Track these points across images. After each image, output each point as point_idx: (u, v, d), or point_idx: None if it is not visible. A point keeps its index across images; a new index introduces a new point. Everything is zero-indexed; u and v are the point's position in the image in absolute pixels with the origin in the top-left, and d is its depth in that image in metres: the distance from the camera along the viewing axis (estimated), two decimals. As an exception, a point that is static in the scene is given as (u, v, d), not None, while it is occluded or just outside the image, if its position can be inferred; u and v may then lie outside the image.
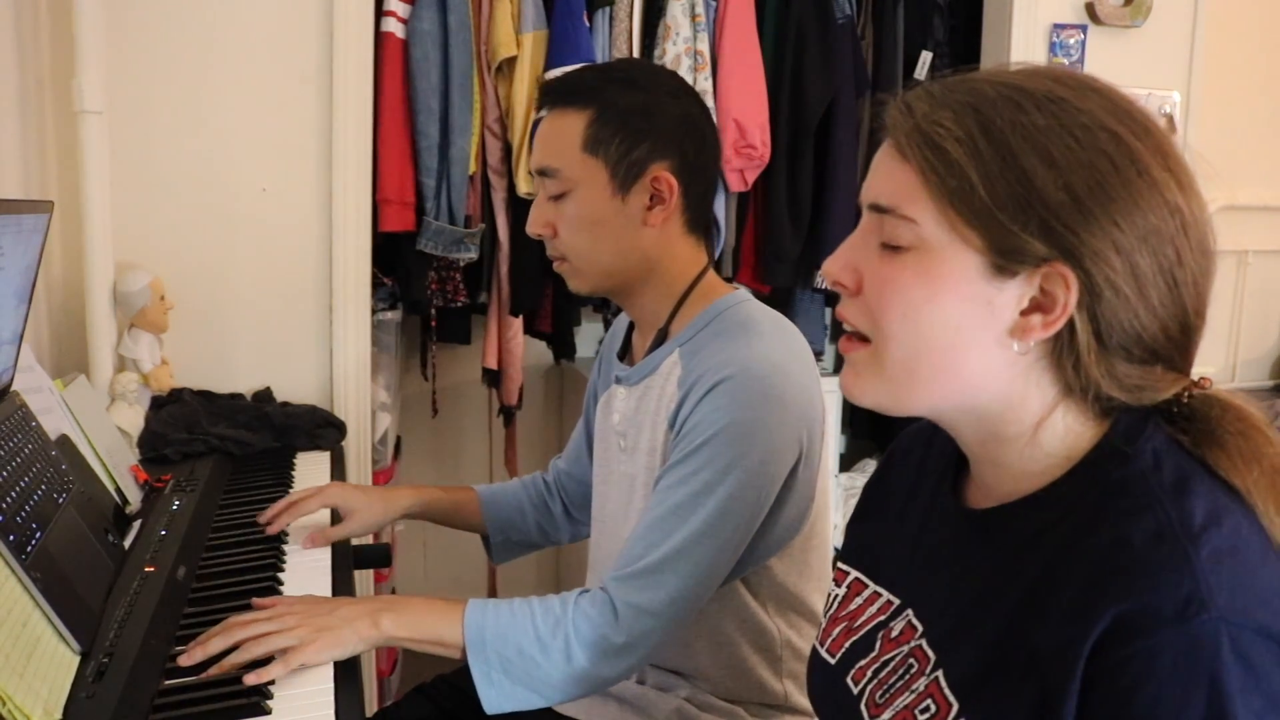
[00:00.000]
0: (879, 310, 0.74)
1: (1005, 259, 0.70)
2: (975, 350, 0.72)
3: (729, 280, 1.83)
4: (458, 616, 1.10)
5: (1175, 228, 0.69)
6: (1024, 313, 0.71)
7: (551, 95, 1.25)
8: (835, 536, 2.90)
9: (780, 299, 2.71)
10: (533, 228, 1.26)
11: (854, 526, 0.97)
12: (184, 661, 1.01)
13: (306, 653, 1.02)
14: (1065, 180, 0.68)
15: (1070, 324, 0.70)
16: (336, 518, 1.42)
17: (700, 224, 1.27)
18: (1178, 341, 0.72)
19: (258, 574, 1.26)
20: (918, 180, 0.71)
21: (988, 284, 0.70)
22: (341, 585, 1.26)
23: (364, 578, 2.15)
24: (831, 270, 0.77)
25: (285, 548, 1.35)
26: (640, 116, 1.21)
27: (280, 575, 1.26)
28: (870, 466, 3.11)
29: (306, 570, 1.28)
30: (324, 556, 1.32)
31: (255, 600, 1.12)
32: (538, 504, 1.56)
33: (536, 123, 2.22)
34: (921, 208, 0.71)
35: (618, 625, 1.10)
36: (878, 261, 0.74)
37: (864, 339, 0.76)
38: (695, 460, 1.13)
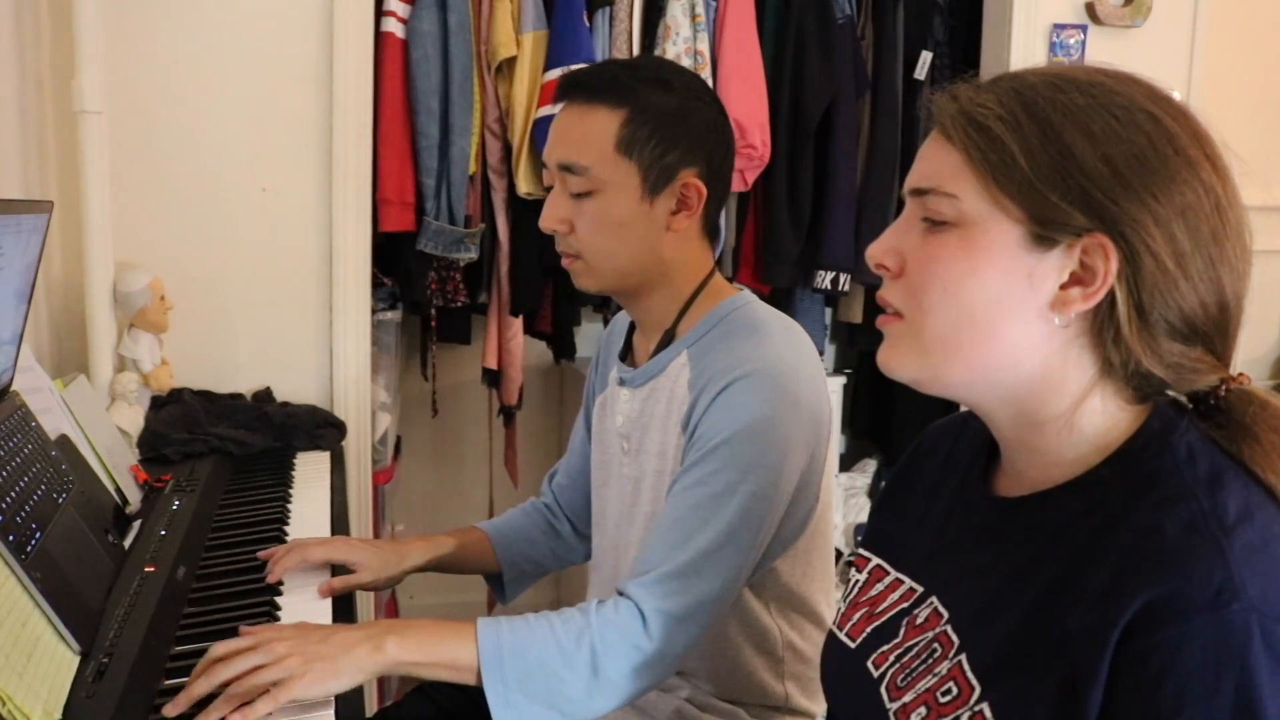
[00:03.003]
0: (921, 287, 0.75)
1: (1045, 229, 0.71)
2: (1016, 323, 0.73)
3: (729, 280, 1.81)
4: (470, 635, 1.03)
5: (1210, 207, 0.71)
6: (1064, 286, 0.72)
7: (579, 89, 1.20)
8: (835, 537, 2.90)
9: (780, 299, 2.70)
10: (547, 223, 1.22)
11: (876, 516, 0.98)
12: (169, 712, 0.92)
13: (297, 686, 0.94)
14: (1105, 153, 0.70)
15: (1110, 297, 0.71)
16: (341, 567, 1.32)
17: (712, 228, 1.27)
18: (1217, 321, 0.73)
19: (258, 574, 1.25)
20: (961, 159, 0.73)
21: (1028, 255, 0.72)
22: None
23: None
24: (875, 253, 0.79)
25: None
26: (675, 120, 1.18)
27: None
28: (870, 466, 3.11)
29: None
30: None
31: (243, 628, 1.03)
32: (545, 530, 1.50)
33: (539, 121, 2.25)
34: (963, 183, 0.73)
35: (647, 633, 1.05)
36: (920, 241, 0.76)
37: (901, 314, 0.77)
38: (713, 461, 1.11)
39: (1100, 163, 0.70)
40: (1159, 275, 0.70)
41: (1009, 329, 0.73)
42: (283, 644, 0.97)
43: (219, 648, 0.97)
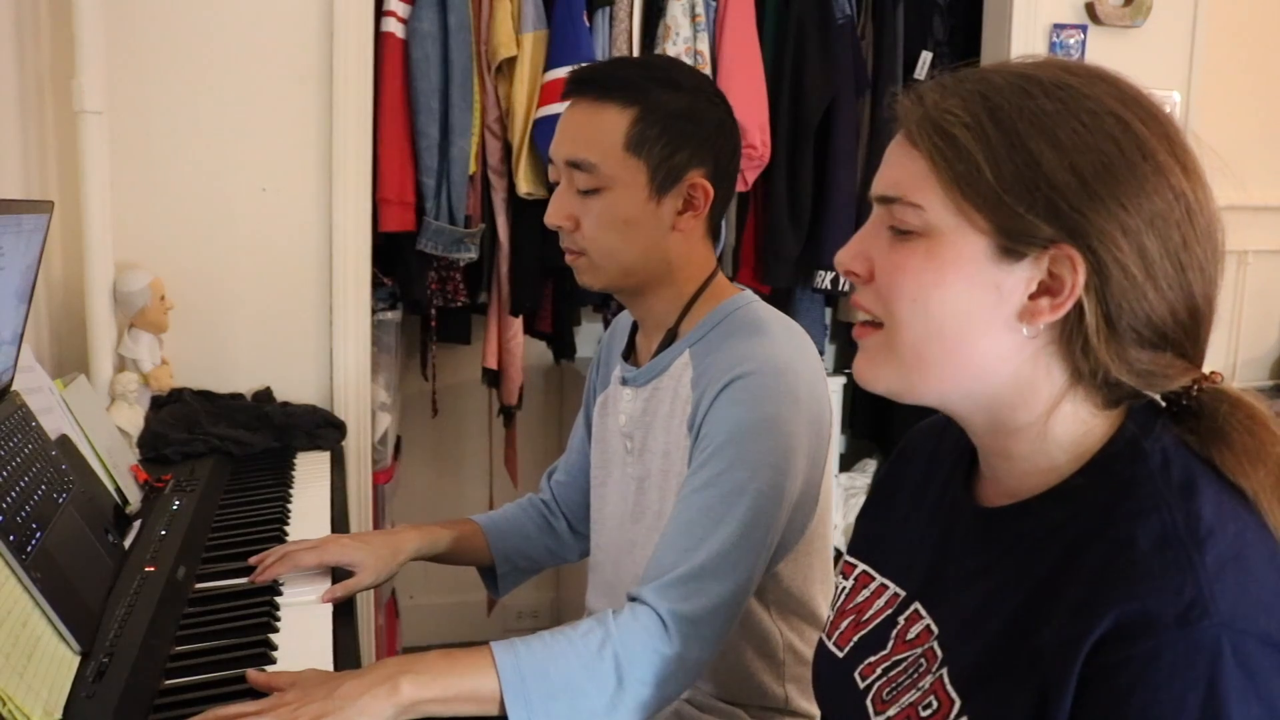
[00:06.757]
0: (890, 295, 0.74)
1: (1012, 241, 0.70)
2: (985, 334, 0.72)
3: (729, 280, 1.81)
4: (487, 662, 0.98)
5: (1181, 213, 0.70)
6: (1032, 296, 0.71)
7: (589, 86, 1.20)
8: (835, 537, 2.90)
9: (780, 299, 2.70)
10: (553, 219, 1.21)
11: (862, 521, 0.97)
12: None
13: None
14: (1071, 162, 0.69)
15: (1079, 307, 0.70)
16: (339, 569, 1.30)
17: (715, 229, 1.27)
18: (1187, 327, 0.72)
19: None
20: (927, 167, 0.72)
21: (995, 267, 0.71)
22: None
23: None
24: (843, 260, 0.78)
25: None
26: (685, 121, 1.18)
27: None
28: (870, 466, 3.11)
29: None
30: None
31: (249, 673, 0.98)
32: (541, 526, 1.50)
33: (539, 121, 2.25)
34: (929, 193, 0.72)
35: (668, 637, 1.03)
36: (888, 248, 0.75)
37: (877, 325, 0.77)
38: (720, 461, 1.10)
39: (1067, 173, 0.68)
40: (1127, 285, 0.69)
41: (978, 340, 0.72)
42: (287, 706, 0.91)
43: (219, 711, 0.91)
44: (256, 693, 0.97)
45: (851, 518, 2.91)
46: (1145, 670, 0.62)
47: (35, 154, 1.82)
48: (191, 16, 1.92)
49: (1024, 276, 0.71)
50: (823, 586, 1.28)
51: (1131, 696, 0.62)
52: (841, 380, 2.80)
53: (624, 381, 1.30)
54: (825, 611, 1.28)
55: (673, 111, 1.18)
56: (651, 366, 1.26)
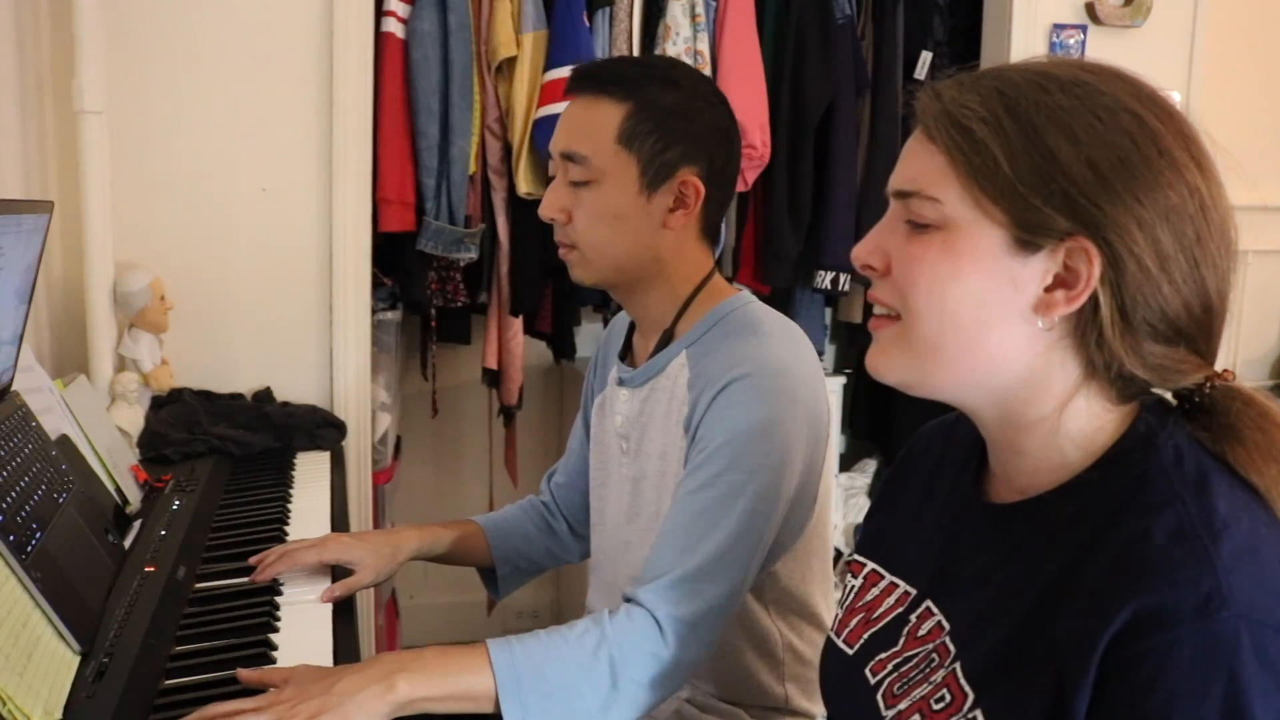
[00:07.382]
0: (906, 287, 0.75)
1: (1028, 233, 0.71)
2: (1000, 326, 0.73)
3: (728, 280, 1.82)
4: (483, 660, 0.99)
5: (1195, 208, 0.70)
6: (1048, 289, 0.72)
7: (588, 81, 1.22)
8: (834, 537, 2.90)
9: (780, 299, 2.70)
10: (547, 211, 1.23)
11: (870, 520, 0.98)
12: None
13: None
14: (1088, 156, 0.69)
15: (1094, 300, 0.70)
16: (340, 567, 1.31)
17: (712, 230, 1.27)
18: (1200, 322, 0.72)
19: (258, 574, 1.25)
20: (944, 161, 0.73)
21: (1011, 259, 0.72)
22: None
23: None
24: (860, 254, 0.78)
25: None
26: (678, 118, 1.19)
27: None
28: (870, 467, 3.11)
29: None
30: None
31: (240, 672, 0.98)
32: (541, 527, 1.50)
33: (539, 121, 2.25)
34: (946, 187, 0.73)
35: (664, 640, 1.04)
36: (904, 241, 0.76)
37: (893, 318, 0.77)
38: (716, 463, 1.10)
39: (1083, 166, 0.69)
40: (1142, 278, 0.70)
41: (993, 332, 0.73)
42: (283, 703, 0.91)
43: (213, 708, 0.91)
44: (254, 692, 0.97)
45: (851, 518, 2.91)
46: (1166, 662, 0.62)
47: (35, 154, 1.82)
48: (191, 17, 1.92)
49: (1040, 269, 0.71)
50: (822, 586, 1.28)
51: (1154, 689, 0.62)
52: (841, 380, 2.80)
53: (620, 382, 1.30)
54: (824, 611, 1.28)
55: (667, 108, 1.19)
56: (648, 367, 1.26)
